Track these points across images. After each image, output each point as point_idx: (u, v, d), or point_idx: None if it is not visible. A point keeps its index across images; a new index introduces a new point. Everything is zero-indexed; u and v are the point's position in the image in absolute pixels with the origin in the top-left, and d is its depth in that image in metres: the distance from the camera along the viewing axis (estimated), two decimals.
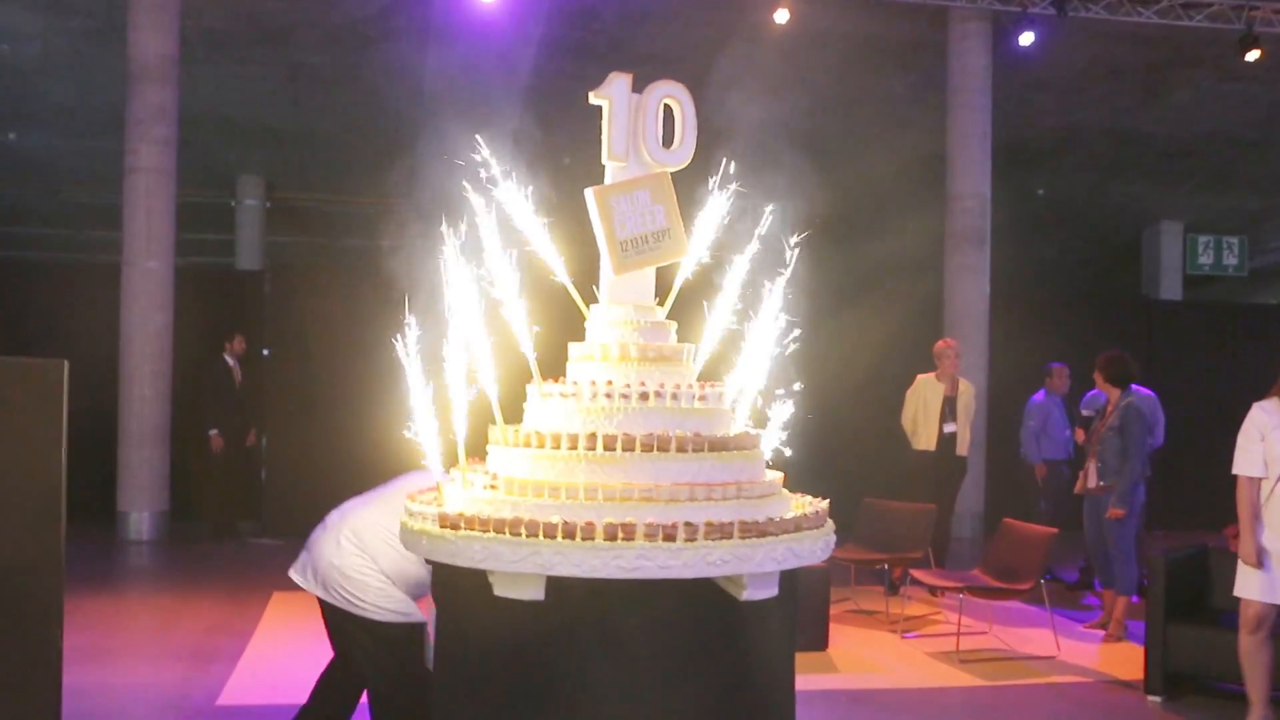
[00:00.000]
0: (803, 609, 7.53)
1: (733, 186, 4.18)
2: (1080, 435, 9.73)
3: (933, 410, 10.15)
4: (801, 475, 5.21)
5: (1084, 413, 9.86)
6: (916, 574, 8.58)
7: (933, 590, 9.06)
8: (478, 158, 3.91)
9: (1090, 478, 8.73)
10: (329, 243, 18.61)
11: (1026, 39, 12.96)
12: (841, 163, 15.15)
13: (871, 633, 8.60)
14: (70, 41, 13.37)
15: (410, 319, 3.93)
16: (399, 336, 3.91)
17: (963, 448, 10.23)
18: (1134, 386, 9.88)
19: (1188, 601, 7.21)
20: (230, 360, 12.06)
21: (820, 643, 7.99)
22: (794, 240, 4.30)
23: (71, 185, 17.15)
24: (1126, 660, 7.78)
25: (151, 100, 11.90)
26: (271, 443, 12.63)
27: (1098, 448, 8.70)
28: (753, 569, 3.51)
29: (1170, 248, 19.44)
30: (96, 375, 11.60)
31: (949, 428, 10.14)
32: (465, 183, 3.90)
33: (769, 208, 4.38)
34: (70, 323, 12.38)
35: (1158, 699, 6.97)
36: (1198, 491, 14.46)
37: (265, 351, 12.77)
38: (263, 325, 12.78)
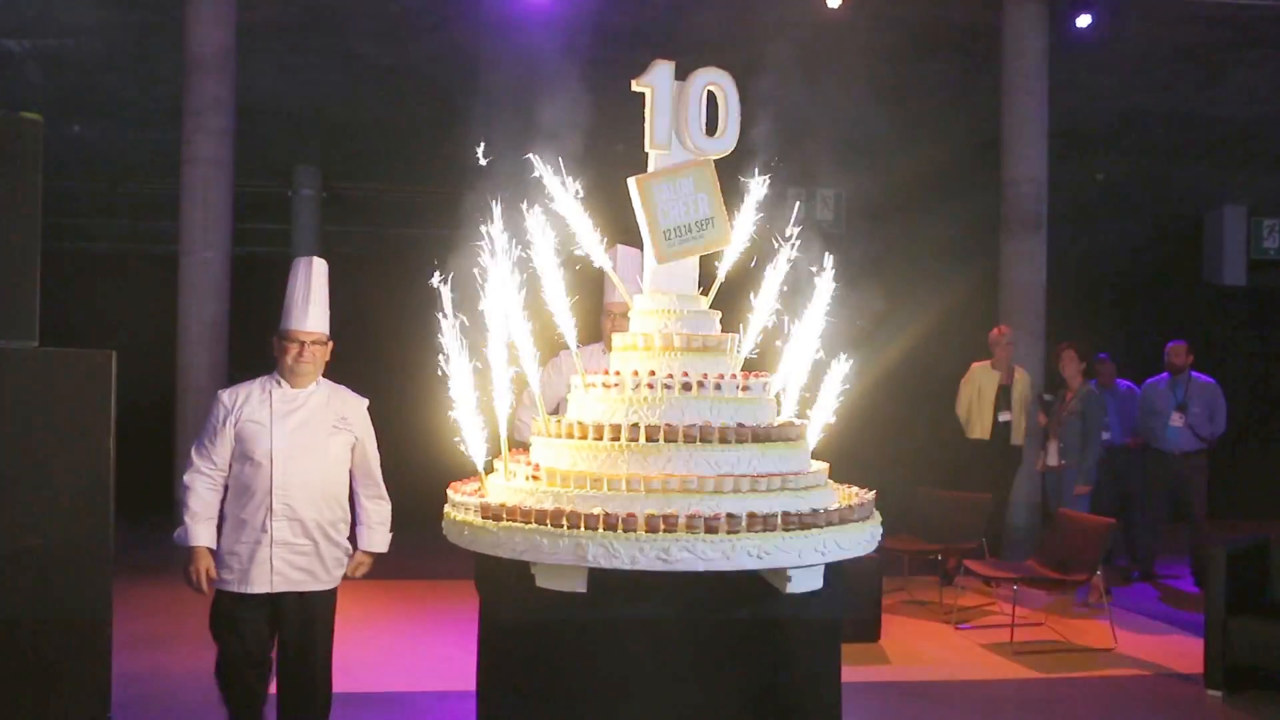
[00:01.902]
0: (855, 599, 7.50)
1: (773, 175, 4.14)
2: (1042, 419, 10.12)
3: (987, 399, 10.05)
4: (854, 464, 5.17)
5: (1045, 397, 10.35)
6: (971, 564, 8.49)
7: (987, 581, 8.96)
8: (528, 151, 3.90)
9: (1051, 456, 9.64)
10: (383, 232, 18.69)
11: (1084, 21, 12.74)
12: (894, 148, 14.97)
13: (925, 624, 8.53)
14: (131, 35, 13.51)
15: (451, 311, 3.92)
16: (440, 333, 3.90)
17: (1018, 436, 10.12)
18: (1193, 373, 9.93)
19: (1249, 594, 7.06)
20: None
21: (873, 634, 7.92)
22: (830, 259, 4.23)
23: (132, 177, 17.36)
24: (1186, 654, 7.66)
25: (208, 92, 12.00)
26: None
27: (1059, 429, 9.61)
28: (796, 561, 3.48)
29: (1233, 232, 19.04)
30: (155, 365, 11.74)
31: (1004, 416, 10.04)
32: (513, 173, 3.89)
33: (818, 194, 4.34)
34: (130, 313, 12.53)
35: (1218, 693, 6.84)
36: (1260, 481, 14.24)
37: None
38: None
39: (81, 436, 3.94)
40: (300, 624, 4.81)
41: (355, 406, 4.97)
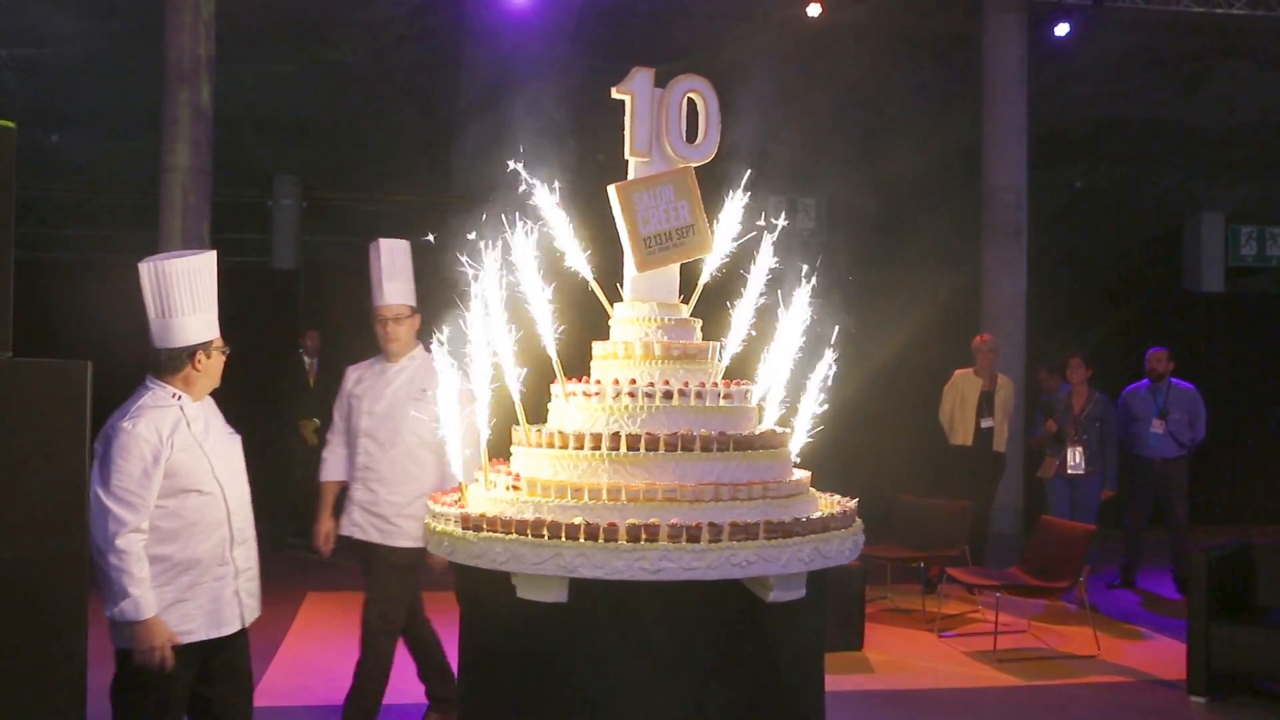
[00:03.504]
0: (838, 608, 7.49)
1: (746, 187, 4.12)
2: (1052, 425, 10.16)
3: (970, 405, 10.06)
4: (836, 471, 5.15)
5: (1043, 399, 10.58)
6: (954, 572, 8.48)
7: (970, 588, 8.96)
8: (509, 159, 3.88)
9: (1075, 463, 9.87)
10: (364, 241, 18.67)
11: (1062, 30, 12.81)
12: (875, 156, 15.02)
13: (908, 632, 8.52)
14: (110, 43, 13.46)
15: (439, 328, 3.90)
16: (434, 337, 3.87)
17: (1000, 443, 10.13)
18: (1174, 380, 10.01)
19: (1231, 600, 7.08)
20: (306, 359, 12.06)
21: (855, 642, 7.91)
22: (816, 249, 4.22)
23: (110, 186, 17.29)
24: (1169, 660, 7.66)
25: (188, 100, 11.92)
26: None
27: (1084, 436, 9.85)
28: (779, 570, 3.46)
29: (1212, 239, 19.15)
30: (132, 376, 11.65)
31: (986, 423, 10.05)
32: (494, 183, 3.87)
33: (799, 202, 4.32)
34: (107, 323, 12.41)
35: (1201, 699, 6.85)
36: (1239, 487, 14.30)
37: (300, 350, 12.82)
38: (298, 324, 12.82)
39: (56, 449, 3.88)
40: (236, 657, 4.37)
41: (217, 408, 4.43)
